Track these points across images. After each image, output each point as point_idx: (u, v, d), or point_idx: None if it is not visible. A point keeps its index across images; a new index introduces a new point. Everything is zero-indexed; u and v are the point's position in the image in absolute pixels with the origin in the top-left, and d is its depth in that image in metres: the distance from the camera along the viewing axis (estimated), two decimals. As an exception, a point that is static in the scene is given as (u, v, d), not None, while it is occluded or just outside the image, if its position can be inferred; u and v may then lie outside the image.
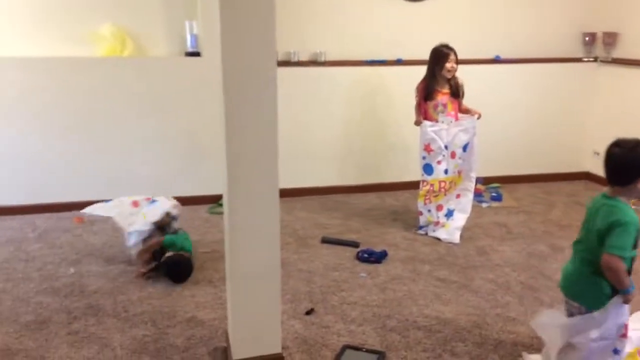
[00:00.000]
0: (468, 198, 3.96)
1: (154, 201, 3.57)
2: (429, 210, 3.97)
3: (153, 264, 3.31)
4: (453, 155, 3.86)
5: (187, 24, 4.39)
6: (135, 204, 3.54)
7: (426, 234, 3.97)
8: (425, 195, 3.93)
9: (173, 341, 2.61)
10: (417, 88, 3.95)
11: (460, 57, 3.91)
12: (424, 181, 3.94)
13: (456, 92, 3.91)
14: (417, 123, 3.93)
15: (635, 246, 2.06)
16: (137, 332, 2.69)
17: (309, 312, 2.88)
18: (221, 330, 2.69)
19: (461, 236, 3.85)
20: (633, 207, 2.13)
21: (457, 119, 3.93)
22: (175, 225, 3.55)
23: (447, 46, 3.86)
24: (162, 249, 3.32)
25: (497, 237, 3.94)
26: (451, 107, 3.91)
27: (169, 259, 3.24)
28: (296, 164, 4.65)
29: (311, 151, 4.79)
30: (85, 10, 4.25)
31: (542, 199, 4.81)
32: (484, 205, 4.60)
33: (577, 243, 2.25)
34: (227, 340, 2.53)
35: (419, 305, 2.97)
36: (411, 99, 4.03)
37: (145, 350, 2.54)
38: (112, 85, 4.33)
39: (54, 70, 4.21)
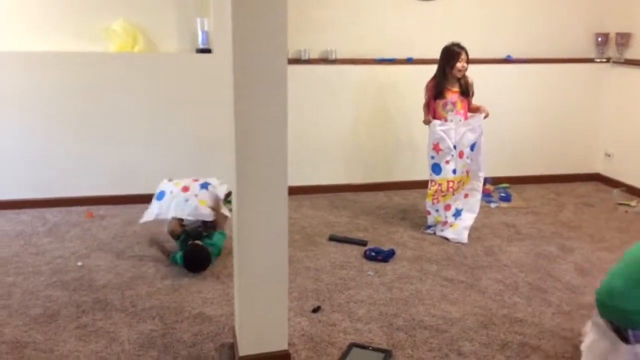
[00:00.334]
0: (476, 198, 3.94)
1: (204, 184, 3.57)
2: (437, 210, 3.95)
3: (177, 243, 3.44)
4: (461, 155, 3.85)
5: (198, 20, 4.40)
6: (186, 189, 3.51)
7: (434, 233, 3.96)
8: (434, 195, 3.92)
9: (180, 336, 2.63)
10: (427, 86, 3.94)
11: (471, 56, 3.89)
12: (432, 181, 3.92)
13: (466, 91, 3.90)
14: (426, 122, 3.92)
15: None
16: (145, 326, 2.70)
17: (315, 310, 2.88)
18: (228, 327, 2.70)
19: (469, 236, 3.84)
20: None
21: (466, 117, 3.91)
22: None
23: (458, 45, 3.85)
24: (194, 234, 3.41)
25: (506, 237, 3.92)
26: (460, 106, 3.89)
27: (190, 248, 3.28)
28: (305, 162, 4.65)
29: (320, 149, 4.79)
30: (97, 6, 4.27)
31: (552, 200, 4.78)
32: (493, 205, 4.58)
33: None
34: (234, 336, 2.54)
35: (426, 304, 2.97)
36: (421, 98, 4.02)
37: (153, 345, 2.56)
38: (123, 81, 4.35)
39: (66, 65, 4.24)
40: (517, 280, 3.26)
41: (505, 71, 4.99)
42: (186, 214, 3.43)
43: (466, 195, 3.94)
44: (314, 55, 4.65)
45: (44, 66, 4.21)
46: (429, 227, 4.02)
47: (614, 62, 5.08)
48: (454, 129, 3.82)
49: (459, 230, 3.86)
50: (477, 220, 3.96)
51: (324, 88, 4.71)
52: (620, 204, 4.67)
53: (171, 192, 3.51)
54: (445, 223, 3.93)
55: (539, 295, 3.08)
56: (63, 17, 4.24)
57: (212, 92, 4.42)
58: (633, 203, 4.67)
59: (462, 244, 3.78)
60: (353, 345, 2.56)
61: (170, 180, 3.66)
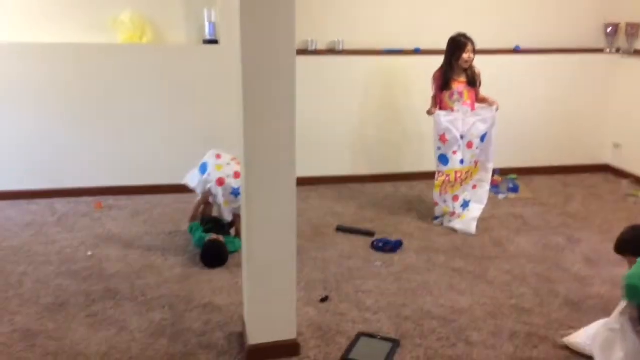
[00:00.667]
0: (484, 189, 3.94)
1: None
2: (445, 201, 3.95)
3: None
4: (470, 145, 3.83)
5: (205, 11, 4.40)
6: (238, 175, 3.44)
7: (442, 224, 3.96)
8: (441, 186, 3.92)
9: (190, 325, 2.65)
10: (434, 76, 3.93)
11: (479, 47, 3.88)
12: (439, 172, 3.92)
13: (473, 81, 3.88)
14: (430, 112, 3.91)
15: None
16: (155, 315, 2.73)
17: (323, 300, 2.89)
18: (237, 316, 2.72)
19: (477, 227, 3.84)
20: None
21: (473, 108, 3.90)
22: None
23: (465, 36, 3.83)
24: (220, 228, 3.46)
25: (513, 228, 3.92)
26: (467, 96, 3.88)
27: (210, 245, 3.30)
28: (312, 153, 4.65)
29: (327, 140, 4.79)
30: (105, -3, 4.28)
31: (560, 191, 4.77)
32: (501, 196, 4.57)
33: None
34: (243, 325, 2.56)
35: (434, 295, 2.97)
36: (428, 89, 4.00)
37: (163, 333, 2.58)
38: (131, 72, 4.36)
39: (74, 56, 4.25)
40: (524, 271, 3.26)
41: (514, 62, 4.96)
42: (212, 201, 3.49)
43: (474, 187, 3.94)
44: (321, 46, 4.64)
45: (52, 58, 4.23)
46: (437, 218, 4.02)
47: (623, 52, 5.03)
48: (462, 119, 3.81)
49: (467, 221, 3.86)
50: (485, 211, 3.95)
51: (331, 79, 4.70)
52: (629, 194, 4.65)
53: (209, 174, 3.46)
54: (453, 214, 3.93)
55: (546, 286, 3.08)
56: (71, 8, 4.25)
57: (219, 83, 4.42)
58: (642, 194, 4.65)
59: (470, 234, 3.78)
60: (361, 334, 2.57)
61: (218, 157, 3.56)
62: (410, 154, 4.94)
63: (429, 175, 4.16)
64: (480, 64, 3.93)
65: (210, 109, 4.51)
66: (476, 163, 3.90)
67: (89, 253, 3.42)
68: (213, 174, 3.46)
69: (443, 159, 3.88)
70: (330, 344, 2.51)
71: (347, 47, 4.65)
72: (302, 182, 4.27)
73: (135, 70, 4.37)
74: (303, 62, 4.23)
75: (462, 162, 3.86)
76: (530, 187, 4.84)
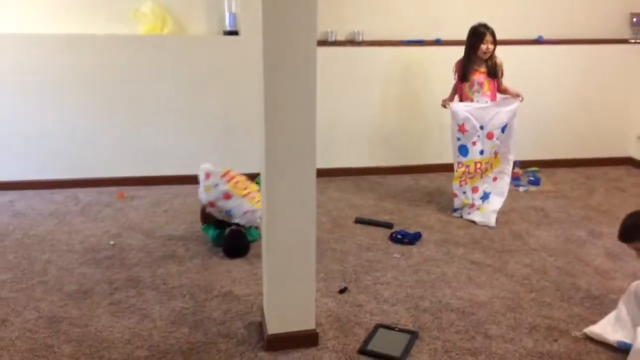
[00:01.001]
0: (505, 181, 3.90)
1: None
2: (464, 193, 3.93)
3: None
4: (490, 136, 3.80)
5: (225, 2, 4.41)
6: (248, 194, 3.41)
7: (461, 216, 3.94)
8: (461, 177, 3.89)
9: (210, 314, 2.68)
10: (455, 65, 3.91)
11: (501, 37, 3.83)
12: (459, 163, 3.89)
13: (493, 72, 3.84)
14: (444, 105, 3.90)
15: None
16: (176, 304, 2.77)
17: (342, 291, 2.91)
18: (256, 306, 2.75)
19: (497, 220, 3.81)
20: None
21: (493, 99, 3.86)
22: None
23: (485, 26, 3.78)
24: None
25: (534, 221, 3.88)
26: (487, 87, 3.84)
27: (232, 236, 3.31)
28: (331, 145, 4.65)
29: (346, 132, 4.79)
30: (126, -11, 4.32)
31: (582, 184, 4.71)
32: (521, 189, 4.52)
33: None
34: (262, 315, 2.59)
35: (453, 287, 2.97)
36: (448, 80, 3.98)
37: (184, 322, 2.62)
38: (152, 63, 4.41)
39: (96, 47, 4.30)
40: (545, 265, 3.23)
41: (537, 52, 4.89)
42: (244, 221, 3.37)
43: (495, 179, 3.91)
44: (341, 37, 4.62)
45: (75, 49, 4.29)
46: (456, 210, 4.00)
47: (649, 43, 4.94)
48: (482, 108, 3.77)
49: (487, 213, 3.83)
50: (505, 204, 3.92)
51: (350, 70, 4.69)
52: (653, 188, 4.58)
53: (199, 192, 3.39)
54: (472, 206, 3.91)
55: (567, 280, 3.05)
56: (93, 0, 4.29)
57: (239, 74, 4.44)
58: (666, 188, 4.57)
59: (490, 227, 3.75)
60: (379, 326, 2.58)
61: (208, 176, 3.39)
62: (430, 145, 4.92)
63: (449, 167, 4.14)
64: (502, 54, 3.89)
65: (231, 99, 4.53)
66: (496, 154, 3.86)
67: (112, 242, 3.48)
68: (203, 196, 3.37)
69: (463, 150, 3.85)
70: (349, 335, 2.53)
71: (366, 37, 4.63)
72: (321, 173, 4.27)
73: (156, 61, 4.41)
74: (322, 53, 4.19)
75: (481, 152, 3.83)
76: (552, 180, 4.78)
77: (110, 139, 4.48)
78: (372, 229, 3.74)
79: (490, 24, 3.81)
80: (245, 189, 3.42)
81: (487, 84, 3.85)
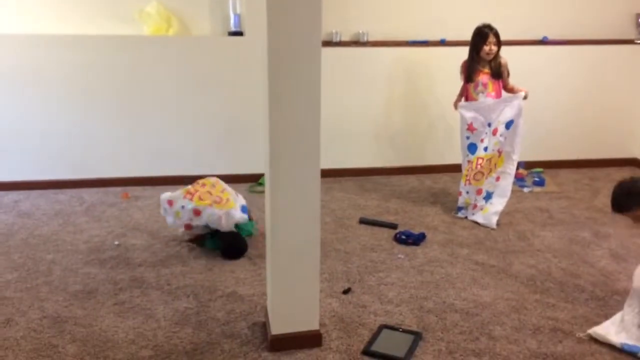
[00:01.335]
0: (507, 182, 3.86)
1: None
2: (468, 192, 3.92)
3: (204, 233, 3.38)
4: (495, 132, 3.79)
5: (230, 3, 4.42)
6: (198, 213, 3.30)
7: (465, 217, 3.93)
8: (467, 175, 3.90)
9: (214, 314, 2.69)
10: (462, 66, 3.91)
11: (506, 37, 3.82)
12: (469, 162, 3.89)
13: (497, 73, 3.83)
14: (455, 106, 3.92)
15: None
16: (180, 304, 2.78)
17: (346, 292, 2.91)
18: (260, 306, 2.75)
19: (501, 221, 3.80)
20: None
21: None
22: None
23: (488, 26, 3.77)
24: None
25: (539, 222, 3.87)
26: (492, 88, 3.84)
27: (227, 237, 3.31)
28: (335, 145, 4.65)
29: (350, 132, 4.78)
30: (131, -11, 4.33)
31: (587, 185, 4.69)
32: (526, 190, 4.51)
33: None
34: (266, 315, 2.59)
35: (457, 288, 2.96)
36: (453, 81, 3.97)
37: (188, 322, 2.62)
38: (157, 64, 4.41)
39: (101, 48, 4.31)
40: (550, 266, 3.22)
41: (541, 53, 4.88)
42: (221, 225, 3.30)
43: (498, 179, 3.87)
44: (346, 37, 4.62)
45: (80, 49, 4.30)
46: (460, 209, 3.99)
47: (655, 43, 4.92)
48: (489, 105, 3.77)
49: (489, 215, 3.81)
50: (509, 204, 3.91)
51: (355, 71, 4.68)
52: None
53: (175, 222, 3.34)
54: (475, 206, 3.90)
55: (572, 281, 3.04)
56: (98, 0, 4.30)
57: (244, 74, 4.44)
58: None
59: (492, 229, 3.74)
60: (383, 326, 2.58)
61: (170, 204, 3.34)
62: (435, 146, 4.91)
63: (454, 168, 4.14)
64: (507, 55, 3.87)
65: (235, 100, 4.54)
66: (500, 153, 3.83)
67: (116, 242, 3.49)
68: (178, 223, 3.32)
69: (472, 148, 3.86)
70: (352, 335, 2.53)
71: (371, 38, 4.63)
72: (325, 174, 4.28)
73: (161, 62, 4.42)
74: (327, 54, 4.20)
75: (485, 149, 3.82)
76: (556, 181, 4.77)
77: (115, 140, 4.49)
78: (376, 229, 3.74)
79: (495, 25, 3.79)
80: (211, 195, 3.34)
81: (492, 85, 3.84)
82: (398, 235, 3.57)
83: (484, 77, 3.83)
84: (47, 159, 4.45)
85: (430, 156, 4.94)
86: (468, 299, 2.85)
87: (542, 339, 2.50)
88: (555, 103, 4.98)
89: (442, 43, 4.69)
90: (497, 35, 3.75)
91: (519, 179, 4.67)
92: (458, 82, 3.99)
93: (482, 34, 3.76)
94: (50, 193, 4.37)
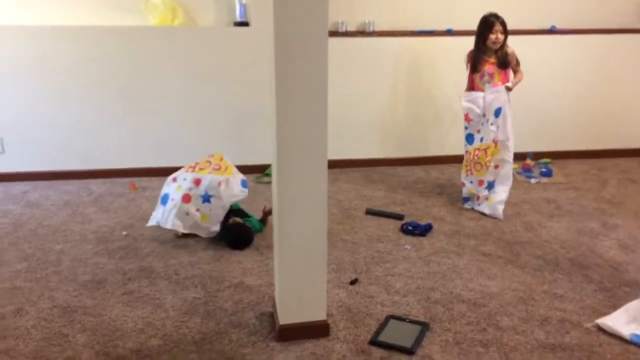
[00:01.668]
0: (507, 169, 3.81)
1: (206, 197, 3.30)
2: (471, 182, 3.92)
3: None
4: (488, 122, 3.79)
5: (236, -7, 4.41)
6: (187, 199, 3.29)
7: (472, 208, 3.92)
8: (467, 166, 3.89)
9: (222, 304, 2.70)
10: (467, 56, 3.89)
11: (513, 27, 3.79)
12: (467, 152, 3.91)
13: (504, 63, 3.79)
14: None
15: None
16: (188, 294, 2.79)
17: (353, 282, 2.91)
18: (267, 296, 2.76)
19: (508, 211, 3.79)
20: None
21: None
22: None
23: (495, 15, 3.74)
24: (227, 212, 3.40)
25: (546, 213, 3.86)
26: (498, 78, 3.81)
27: (234, 228, 3.32)
28: (341, 136, 4.64)
29: (356, 123, 4.78)
30: (137, -20, 4.32)
31: (594, 176, 4.67)
32: (533, 180, 4.50)
33: None
34: (273, 305, 2.60)
35: (464, 278, 2.96)
36: (459, 71, 3.95)
37: (196, 312, 2.64)
38: (163, 55, 4.41)
39: (107, 39, 4.32)
40: (557, 257, 3.21)
41: (549, 42, 4.84)
42: (186, 228, 3.31)
43: (496, 167, 3.83)
44: (351, 27, 4.60)
45: (86, 40, 4.30)
46: (466, 200, 3.98)
47: (664, 33, 4.86)
48: (482, 96, 3.77)
49: (494, 205, 3.80)
50: (516, 195, 3.90)
51: (361, 61, 4.67)
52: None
53: (172, 199, 3.33)
54: (479, 197, 3.89)
55: (580, 272, 3.03)
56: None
57: (250, 65, 4.44)
58: (681, 179, 4.52)
59: (499, 219, 3.73)
60: (390, 317, 2.59)
61: (175, 180, 3.43)
62: (441, 136, 4.90)
63: (460, 159, 4.12)
64: (514, 44, 3.85)
65: (241, 90, 4.53)
66: (496, 143, 3.80)
67: (124, 233, 3.51)
68: (176, 196, 3.31)
69: (469, 138, 3.89)
70: (360, 325, 2.54)
71: (377, 28, 4.60)
72: (331, 164, 4.27)
73: (167, 53, 4.42)
74: (333, 44, 4.18)
75: (481, 140, 3.82)
76: (564, 172, 4.75)
77: (122, 131, 4.51)
78: (382, 220, 3.74)
79: (503, 14, 3.76)
80: (210, 164, 3.43)
81: (498, 75, 3.81)
82: (404, 226, 3.57)
83: (490, 67, 3.80)
84: (55, 150, 4.47)
85: (436, 147, 4.93)
86: (475, 289, 2.85)
87: (550, 330, 2.50)
88: (562, 93, 4.95)
89: (449, 33, 4.66)
90: (503, 24, 3.72)
91: (526, 170, 4.66)
92: (464, 72, 3.96)
93: (488, 23, 3.73)
94: (58, 184, 4.39)
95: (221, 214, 3.35)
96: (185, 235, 3.41)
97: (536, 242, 3.41)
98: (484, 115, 3.80)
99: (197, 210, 3.31)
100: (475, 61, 3.83)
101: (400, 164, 4.89)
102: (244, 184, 3.44)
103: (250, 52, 4.41)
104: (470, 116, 3.83)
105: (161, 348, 2.37)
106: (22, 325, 2.52)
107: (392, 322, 2.55)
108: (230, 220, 3.38)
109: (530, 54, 4.29)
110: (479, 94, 3.80)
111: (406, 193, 4.25)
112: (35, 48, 4.27)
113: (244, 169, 4.46)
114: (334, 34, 4.50)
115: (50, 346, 2.38)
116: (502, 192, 3.82)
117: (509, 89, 3.73)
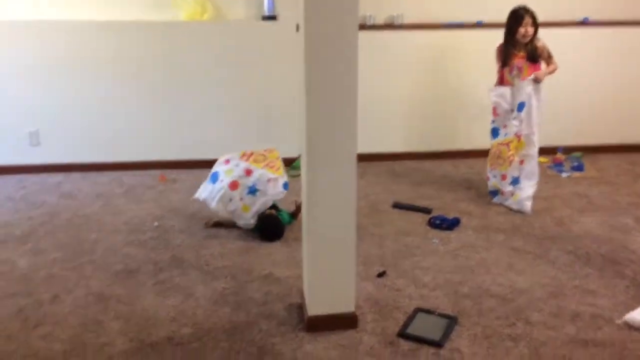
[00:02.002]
0: (532, 164, 3.75)
1: (253, 189, 3.35)
2: (495, 177, 3.88)
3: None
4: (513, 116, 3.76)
5: (264, -13, 4.43)
6: (235, 185, 3.34)
7: (500, 203, 3.88)
8: (491, 159, 3.87)
9: (251, 295, 2.74)
10: (497, 50, 3.84)
11: (545, 19, 3.73)
12: (491, 145, 3.88)
13: (533, 56, 3.73)
14: None
15: None
16: (218, 284, 2.84)
17: (380, 275, 2.92)
18: (296, 288, 2.79)
19: (538, 206, 3.74)
20: None
21: None
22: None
23: (524, 8, 3.68)
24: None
25: (577, 208, 3.80)
26: (527, 72, 3.75)
27: (268, 219, 3.38)
28: (369, 129, 4.61)
29: (384, 116, 4.77)
30: (167, -25, 4.38)
31: (627, 170, 4.57)
32: (564, 175, 4.43)
33: None
34: (302, 297, 2.63)
35: (492, 273, 2.94)
36: (488, 64, 3.91)
37: (226, 302, 2.68)
38: (193, 49, 4.47)
39: (138, 33, 4.40)
40: (589, 252, 3.17)
41: (581, 35, 4.74)
42: (226, 213, 3.38)
43: (521, 162, 3.78)
44: (380, 20, 4.59)
45: (116, 35, 4.39)
46: (494, 194, 3.94)
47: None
48: (510, 92, 3.73)
49: (521, 201, 3.74)
50: (547, 190, 3.85)
51: (389, 54, 4.65)
52: None
53: (221, 180, 3.38)
54: (503, 192, 3.85)
55: (612, 267, 2.99)
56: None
57: (278, 58, 4.46)
58: None
59: (529, 214, 3.69)
60: (418, 310, 2.59)
61: (227, 162, 3.48)
62: (470, 130, 4.85)
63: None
64: (545, 37, 3.78)
65: (269, 84, 4.56)
66: (519, 137, 3.74)
67: (156, 224, 3.58)
68: (225, 180, 3.36)
69: (494, 132, 3.86)
70: (388, 318, 2.55)
71: (405, 21, 4.58)
72: (359, 158, 4.30)
73: (197, 47, 4.47)
74: (361, 37, 4.18)
75: (505, 135, 3.79)
76: (596, 166, 4.66)
77: (152, 124, 4.59)
78: (410, 214, 3.73)
79: (534, 6, 3.70)
80: (265, 159, 3.47)
81: (527, 69, 3.75)
82: (432, 220, 3.56)
83: (519, 61, 3.74)
84: (87, 143, 4.58)
85: (465, 141, 4.89)
86: (504, 284, 2.83)
87: (581, 325, 2.48)
88: (594, 87, 4.86)
89: (479, 25, 4.61)
90: (533, 17, 3.66)
91: (557, 164, 4.60)
92: (494, 66, 3.91)
93: (518, 16, 3.67)
94: (91, 176, 4.50)
95: (262, 209, 3.39)
96: (214, 225, 3.47)
97: (567, 237, 3.37)
98: (512, 110, 3.75)
99: (241, 199, 3.36)
100: (504, 55, 3.78)
101: (428, 158, 4.87)
102: (285, 186, 3.46)
103: (278, 45, 4.43)
104: (498, 111, 3.79)
105: (192, 336, 2.42)
106: (59, 312, 2.60)
107: (420, 315, 2.56)
108: (267, 212, 3.42)
109: (561, 47, 4.21)
110: (508, 89, 3.75)
111: (433, 187, 4.23)
112: (70, 43, 4.37)
113: (271, 162, 4.54)
114: (362, 27, 4.43)
115: (86, 332, 2.45)
116: (528, 188, 3.77)
117: (537, 80, 3.67)
